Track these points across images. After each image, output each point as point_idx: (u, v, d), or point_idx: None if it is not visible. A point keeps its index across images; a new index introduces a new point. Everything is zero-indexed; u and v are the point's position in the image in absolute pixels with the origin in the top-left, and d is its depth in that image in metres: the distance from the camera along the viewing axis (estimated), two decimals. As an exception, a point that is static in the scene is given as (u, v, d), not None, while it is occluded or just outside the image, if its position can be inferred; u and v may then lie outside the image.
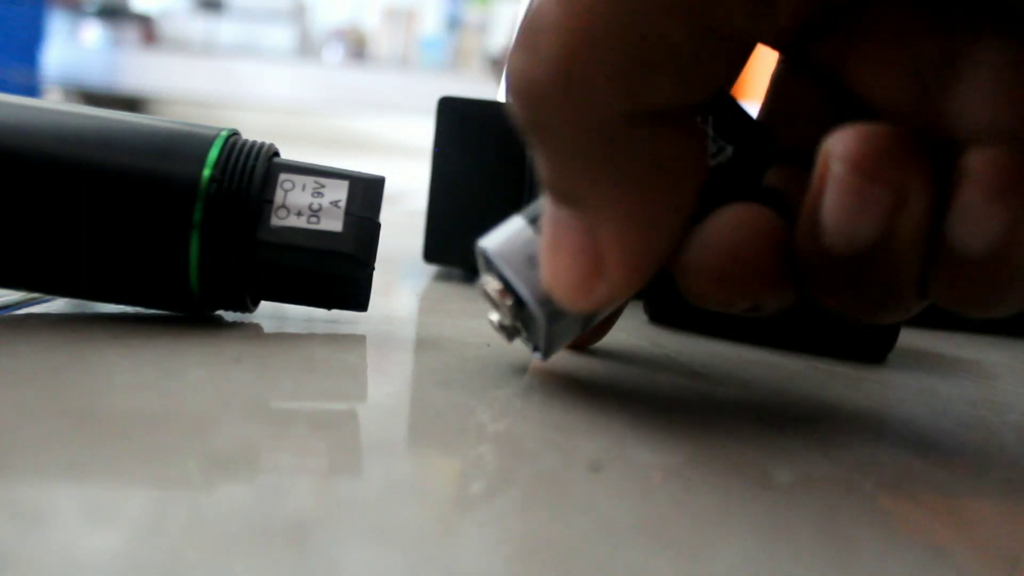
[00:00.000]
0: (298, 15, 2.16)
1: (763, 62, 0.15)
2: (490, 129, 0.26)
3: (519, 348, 0.19)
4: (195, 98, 2.00)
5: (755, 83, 0.16)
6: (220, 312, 0.19)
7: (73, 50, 2.04)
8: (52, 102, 0.17)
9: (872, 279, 0.13)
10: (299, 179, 0.17)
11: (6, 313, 0.18)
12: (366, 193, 0.17)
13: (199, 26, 2.13)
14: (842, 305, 0.14)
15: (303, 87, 2.00)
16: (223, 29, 2.12)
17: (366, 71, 2.04)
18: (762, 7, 0.12)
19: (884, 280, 0.13)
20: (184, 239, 0.16)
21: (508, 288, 0.15)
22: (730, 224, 0.13)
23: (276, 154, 0.18)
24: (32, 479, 0.10)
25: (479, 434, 0.13)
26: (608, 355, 0.19)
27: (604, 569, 0.09)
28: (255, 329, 0.18)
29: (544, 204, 0.14)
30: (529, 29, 0.12)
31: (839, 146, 0.12)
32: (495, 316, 0.16)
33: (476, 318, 0.21)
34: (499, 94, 0.40)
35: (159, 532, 0.09)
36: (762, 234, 0.13)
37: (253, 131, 0.21)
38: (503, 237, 0.15)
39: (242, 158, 0.17)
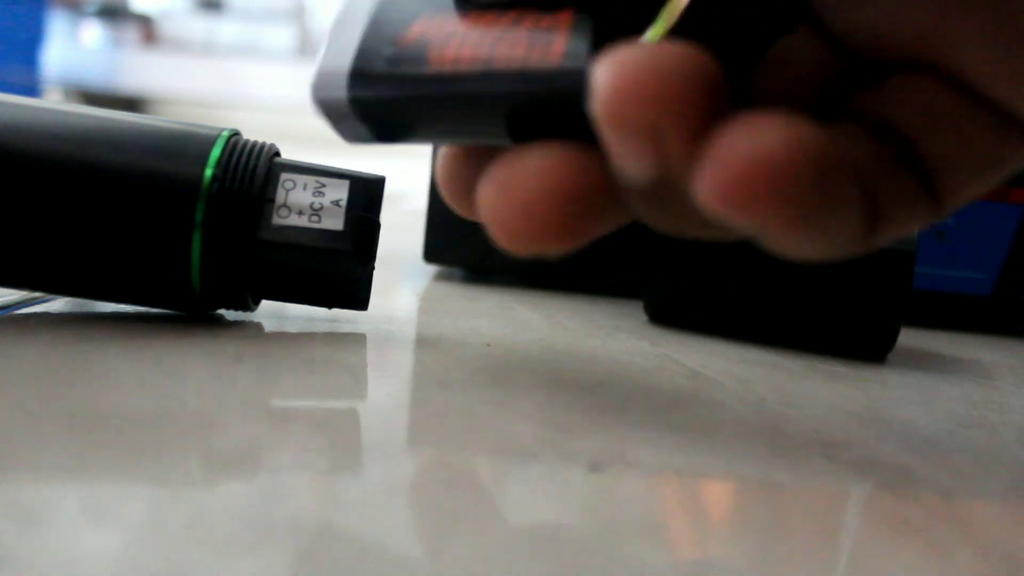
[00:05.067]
0: (298, 15, 2.16)
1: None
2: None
3: (519, 349, 0.19)
4: (195, 98, 2.00)
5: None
6: (221, 311, 0.19)
7: (73, 50, 2.04)
8: (54, 102, 0.17)
9: (674, 200, 0.12)
10: (300, 178, 0.17)
11: (6, 313, 0.18)
12: (367, 192, 0.17)
13: (199, 26, 2.13)
14: (666, 227, 0.13)
15: (303, 87, 2.00)
16: (223, 29, 2.12)
17: (366, 71, 2.04)
18: None
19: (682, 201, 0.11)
20: (186, 238, 0.16)
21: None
22: (531, 171, 0.12)
23: (277, 154, 0.18)
24: (32, 479, 0.10)
25: (479, 434, 0.13)
26: (608, 355, 0.19)
27: (604, 569, 0.09)
28: (256, 328, 0.18)
29: None
30: None
31: (597, 80, 0.11)
32: None
33: (476, 318, 0.21)
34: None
35: (159, 532, 0.09)
36: (563, 186, 0.12)
37: (253, 131, 0.21)
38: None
39: (244, 158, 0.17)
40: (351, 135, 0.15)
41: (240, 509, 0.10)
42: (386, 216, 0.18)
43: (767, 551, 0.10)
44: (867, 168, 0.12)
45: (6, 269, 0.17)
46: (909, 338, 0.25)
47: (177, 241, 0.16)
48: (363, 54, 0.14)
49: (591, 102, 0.11)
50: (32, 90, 1.61)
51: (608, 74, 0.11)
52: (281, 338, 0.18)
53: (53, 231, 0.16)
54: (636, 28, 0.12)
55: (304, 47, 2.15)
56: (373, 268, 0.18)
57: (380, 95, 0.14)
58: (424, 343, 0.19)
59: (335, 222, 0.17)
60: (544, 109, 0.13)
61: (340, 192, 0.17)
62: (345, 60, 0.14)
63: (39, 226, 0.16)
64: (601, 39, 0.12)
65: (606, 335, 0.21)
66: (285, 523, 0.10)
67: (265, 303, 0.19)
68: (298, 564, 0.09)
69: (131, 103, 2.02)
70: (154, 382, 0.14)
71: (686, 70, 0.10)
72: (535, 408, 0.15)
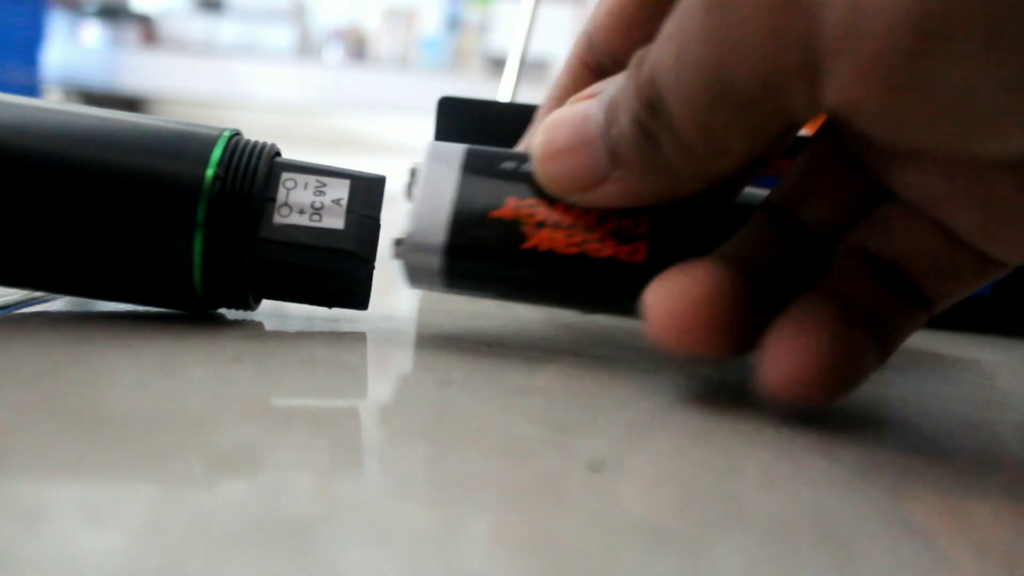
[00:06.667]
0: (298, 15, 2.16)
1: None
2: (490, 129, 0.26)
3: (519, 349, 0.19)
4: (195, 98, 2.00)
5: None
6: (222, 310, 0.19)
7: (73, 50, 2.04)
8: (55, 102, 0.17)
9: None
10: (301, 178, 0.17)
11: (6, 313, 0.18)
12: (367, 192, 0.18)
13: (199, 26, 2.13)
14: None
15: (303, 87, 2.00)
16: (223, 29, 2.12)
17: (366, 71, 2.05)
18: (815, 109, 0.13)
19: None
20: (188, 238, 0.16)
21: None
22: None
23: (278, 154, 0.18)
24: (32, 479, 0.10)
25: (479, 434, 0.13)
26: (608, 355, 0.19)
27: (604, 569, 0.09)
28: (256, 327, 0.18)
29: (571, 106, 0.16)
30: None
31: (649, 313, 0.14)
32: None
33: (476, 318, 0.21)
34: (501, 94, 0.40)
35: (159, 532, 0.09)
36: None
37: (253, 131, 0.21)
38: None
39: (245, 158, 0.17)
40: (421, 280, 0.17)
41: (240, 509, 0.10)
42: (387, 216, 0.18)
43: (767, 551, 0.10)
44: (880, 315, 0.15)
45: (7, 268, 0.17)
46: (909, 338, 0.25)
47: (179, 241, 0.16)
48: (460, 217, 0.17)
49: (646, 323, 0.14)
50: (32, 90, 1.61)
51: (652, 311, 0.14)
52: (281, 337, 0.18)
53: (55, 231, 0.16)
54: (695, 231, 0.16)
55: (304, 47, 2.15)
56: (374, 267, 0.18)
57: (476, 258, 0.16)
58: (424, 343, 0.19)
59: (336, 221, 0.17)
60: (618, 290, 0.16)
61: (341, 191, 0.17)
62: (440, 220, 0.17)
63: (41, 226, 0.16)
64: (672, 242, 0.16)
65: (606, 335, 0.21)
66: (285, 523, 0.10)
67: (265, 302, 0.19)
68: (298, 564, 0.09)
69: (131, 103, 2.02)
70: (154, 382, 0.14)
71: (716, 300, 0.14)
72: (535, 408, 0.14)
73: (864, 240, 0.15)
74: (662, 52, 0.13)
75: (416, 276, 0.17)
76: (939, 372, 0.21)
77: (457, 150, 0.17)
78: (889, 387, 0.19)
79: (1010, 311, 0.27)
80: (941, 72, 0.10)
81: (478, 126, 0.26)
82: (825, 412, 0.16)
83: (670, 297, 0.14)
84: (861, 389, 0.18)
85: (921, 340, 0.25)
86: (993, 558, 0.11)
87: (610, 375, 0.17)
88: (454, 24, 2.15)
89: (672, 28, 0.13)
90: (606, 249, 0.16)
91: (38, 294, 0.19)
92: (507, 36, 1.87)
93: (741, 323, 0.14)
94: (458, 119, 0.27)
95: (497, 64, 1.98)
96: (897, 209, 0.15)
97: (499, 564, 0.09)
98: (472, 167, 0.17)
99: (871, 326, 0.15)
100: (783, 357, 0.14)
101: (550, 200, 0.16)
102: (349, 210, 0.17)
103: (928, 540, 0.11)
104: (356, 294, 0.18)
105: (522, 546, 0.10)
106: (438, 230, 0.16)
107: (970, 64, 0.10)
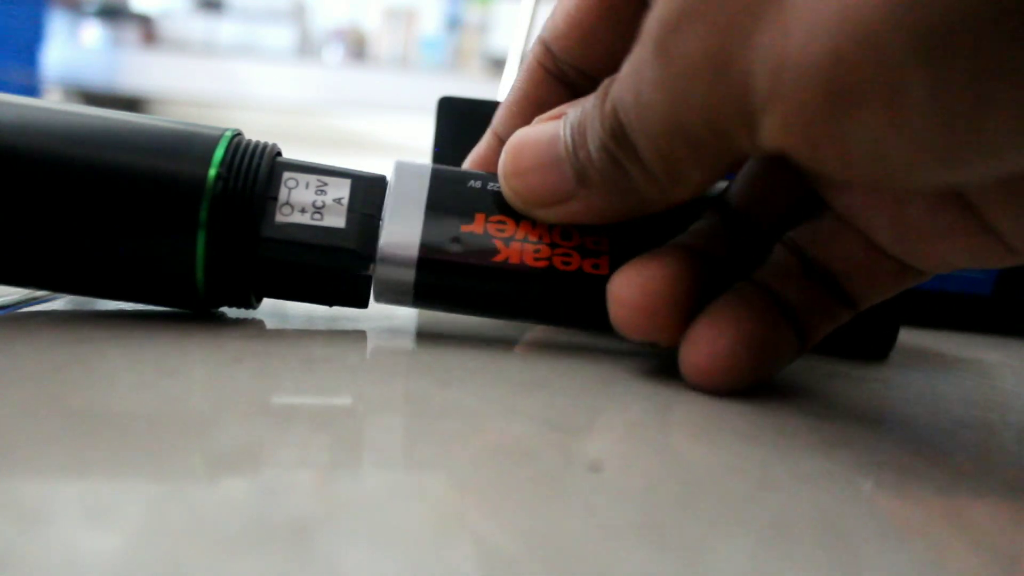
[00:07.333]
0: (298, 15, 2.16)
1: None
2: (490, 129, 0.26)
3: (519, 348, 0.19)
4: (195, 98, 2.00)
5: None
6: (223, 309, 0.19)
7: (73, 50, 2.04)
8: (56, 103, 0.17)
9: None
10: (302, 177, 0.17)
11: (6, 313, 0.18)
12: (368, 191, 0.18)
13: (199, 26, 2.13)
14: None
15: (303, 87, 2.00)
16: (223, 29, 2.12)
17: (366, 71, 2.05)
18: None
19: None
20: (190, 237, 0.16)
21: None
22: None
23: (279, 153, 0.18)
24: (32, 479, 0.10)
25: (479, 434, 0.13)
26: (608, 355, 0.19)
27: (604, 569, 0.09)
28: (257, 326, 0.18)
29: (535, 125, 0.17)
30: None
31: (614, 304, 0.16)
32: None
33: (476, 317, 0.21)
34: (501, 94, 0.40)
35: (159, 532, 0.09)
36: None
37: (254, 131, 0.21)
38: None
39: (246, 157, 0.17)
40: (389, 295, 0.18)
41: (240, 508, 0.10)
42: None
43: (767, 551, 0.10)
44: (803, 310, 0.16)
45: (12, 268, 0.17)
46: (910, 338, 0.25)
47: (181, 240, 0.16)
48: (432, 231, 0.17)
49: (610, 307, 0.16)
50: (32, 90, 1.61)
51: (614, 294, 0.16)
52: (282, 336, 0.18)
53: (57, 231, 0.16)
54: (651, 244, 0.17)
55: (304, 47, 2.15)
56: (374, 266, 0.18)
57: (448, 271, 0.17)
58: (424, 342, 0.19)
59: (337, 220, 0.17)
60: (585, 301, 0.17)
61: (342, 191, 0.17)
62: (412, 234, 0.17)
63: (43, 226, 0.16)
64: (631, 256, 0.16)
65: (606, 335, 0.21)
66: (285, 523, 0.10)
67: (266, 301, 0.20)
68: (298, 564, 0.09)
69: (131, 103, 2.02)
70: (154, 382, 0.14)
71: (668, 290, 0.16)
72: (535, 407, 0.14)
73: (798, 240, 0.17)
74: (623, 89, 0.14)
75: (386, 291, 0.18)
76: (939, 372, 0.21)
77: (424, 168, 0.18)
78: (889, 387, 0.19)
79: (1011, 311, 0.27)
80: (852, 129, 0.12)
81: (478, 126, 0.26)
82: (825, 412, 0.16)
83: (633, 289, 0.16)
84: (861, 389, 0.18)
85: (921, 340, 0.25)
86: (993, 558, 0.11)
87: (610, 375, 0.17)
88: (454, 24, 2.15)
89: (629, 70, 0.14)
90: (573, 263, 0.17)
91: (38, 294, 0.19)
92: (507, 36, 1.87)
93: (694, 312, 0.16)
94: (458, 119, 0.27)
95: (497, 64, 1.98)
96: (829, 216, 0.16)
97: (499, 564, 0.09)
98: (440, 184, 0.18)
99: (792, 319, 0.16)
100: (699, 350, 0.15)
101: (516, 217, 0.17)
102: (350, 209, 0.17)
103: (928, 540, 0.11)
104: (356, 293, 0.18)
105: (522, 546, 0.10)
106: (411, 244, 0.17)
107: (876, 124, 0.11)
